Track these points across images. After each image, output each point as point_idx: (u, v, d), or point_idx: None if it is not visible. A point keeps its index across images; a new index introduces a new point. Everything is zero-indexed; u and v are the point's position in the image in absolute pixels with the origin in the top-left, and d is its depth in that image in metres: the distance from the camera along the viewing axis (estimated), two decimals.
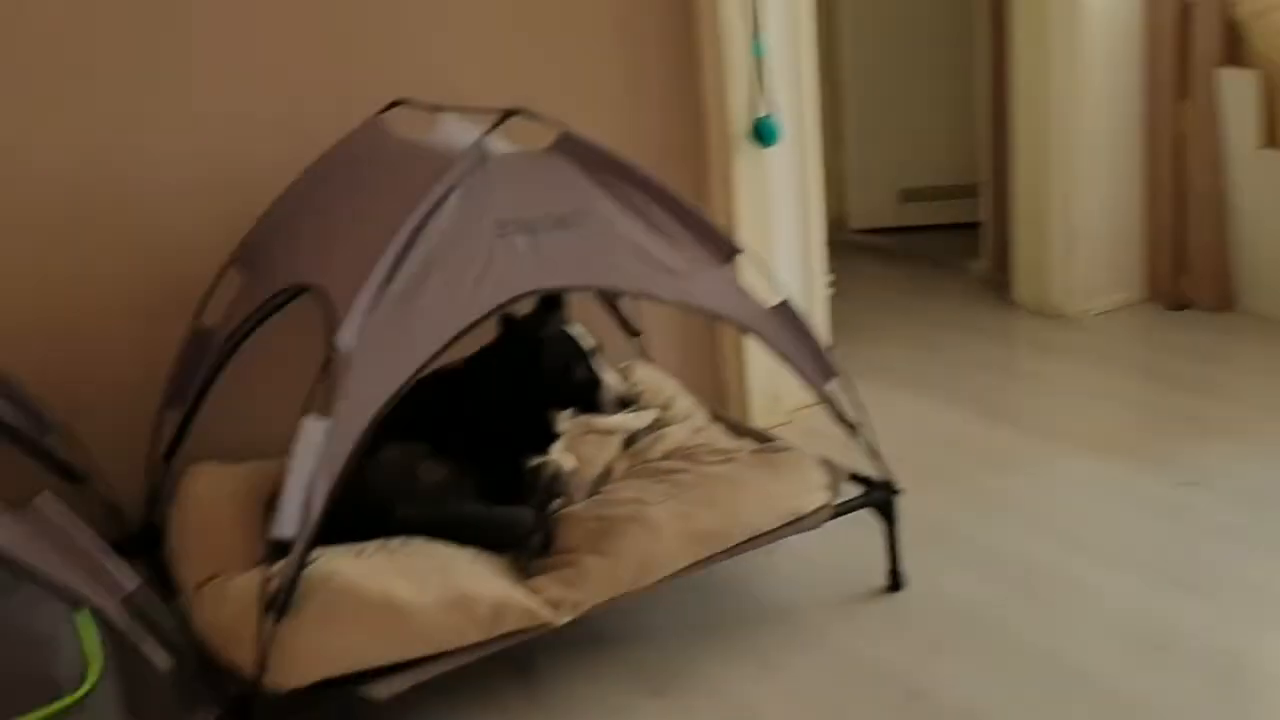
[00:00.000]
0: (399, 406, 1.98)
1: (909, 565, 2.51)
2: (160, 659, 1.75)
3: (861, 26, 5.21)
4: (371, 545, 2.11)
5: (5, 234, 2.47)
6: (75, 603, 1.66)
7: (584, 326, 2.43)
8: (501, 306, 2.07)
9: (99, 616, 1.67)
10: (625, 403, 2.44)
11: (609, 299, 2.93)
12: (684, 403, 2.85)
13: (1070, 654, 2.25)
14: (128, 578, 1.70)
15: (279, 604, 1.87)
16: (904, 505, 2.49)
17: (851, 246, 5.32)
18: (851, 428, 2.42)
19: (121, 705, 1.85)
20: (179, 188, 2.61)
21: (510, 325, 2.34)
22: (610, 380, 2.42)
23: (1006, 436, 3.27)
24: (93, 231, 2.55)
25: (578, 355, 2.39)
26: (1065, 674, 2.19)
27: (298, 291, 2.26)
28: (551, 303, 2.47)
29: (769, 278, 2.36)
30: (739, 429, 2.75)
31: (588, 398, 2.41)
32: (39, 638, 1.87)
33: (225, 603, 2.02)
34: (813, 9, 3.31)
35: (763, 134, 3.12)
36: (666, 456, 2.53)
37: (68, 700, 1.77)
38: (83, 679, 1.80)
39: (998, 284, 4.48)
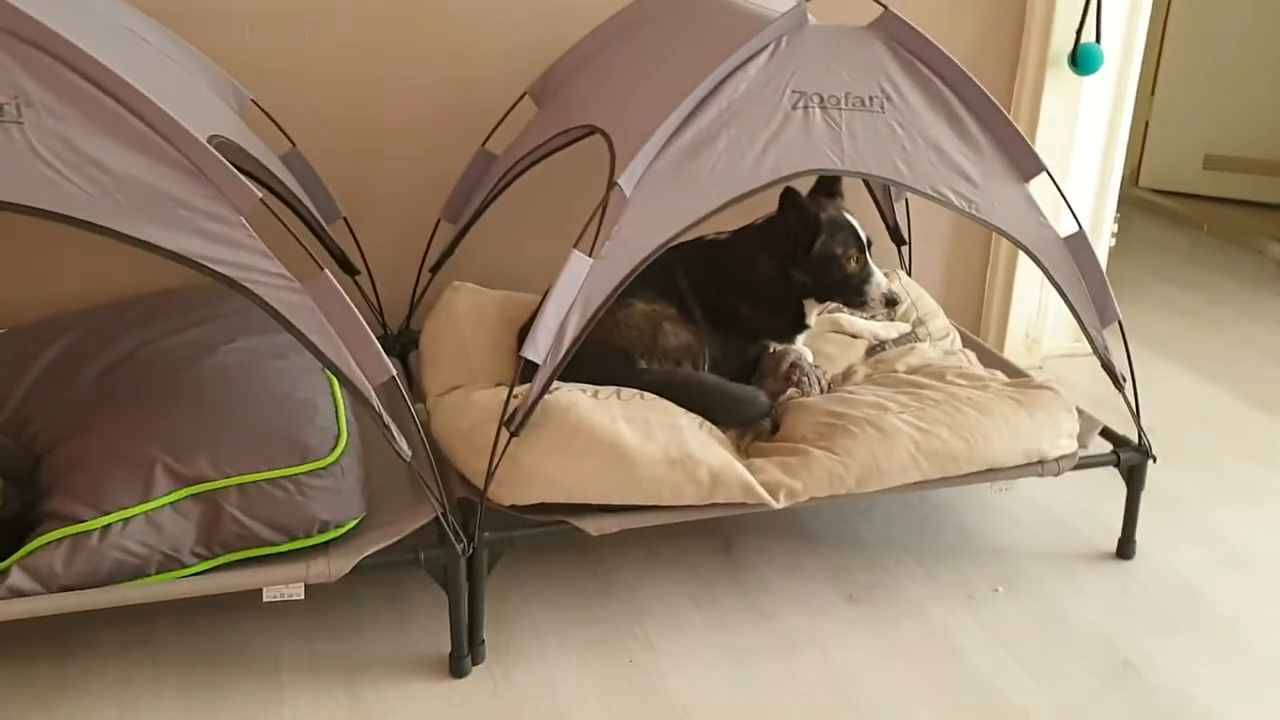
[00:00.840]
0: (657, 265, 1.99)
1: (1141, 536, 2.38)
2: (403, 448, 1.84)
3: None
4: (606, 389, 2.14)
5: (328, 36, 2.58)
6: (339, 377, 1.74)
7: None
8: (784, 179, 2.02)
9: (358, 395, 1.75)
10: (891, 302, 2.38)
11: (884, 196, 2.84)
12: (939, 322, 2.76)
13: None
14: (388, 367, 1.78)
15: (517, 422, 1.93)
16: (1150, 475, 2.35)
17: (1139, 203, 4.99)
18: (1118, 380, 2.28)
19: (361, 480, 1.97)
20: (493, 16, 2.66)
21: (791, 199, 2.30)
22: (880, 278, 2.36)
23: (1270, 427, 3.04)
24: (406, 44, 2.64)
25: (855, 244, 2.34)
26: None
27: (587, 133, 2.28)
28: (829, 186, 2.42)
29: (1066, 207, 2.22)
30: (993, 360, 2.64)
31: (855, 290, 2.36)
32: (299, 404, 2.01)
33: (466, 412, 2.10)
34: None
35: (1083, 60, 2.92)
36: (913, 371, 2.46)
37: (315, 465, 1.90)
38: (332, 449, 1.92)
39: None
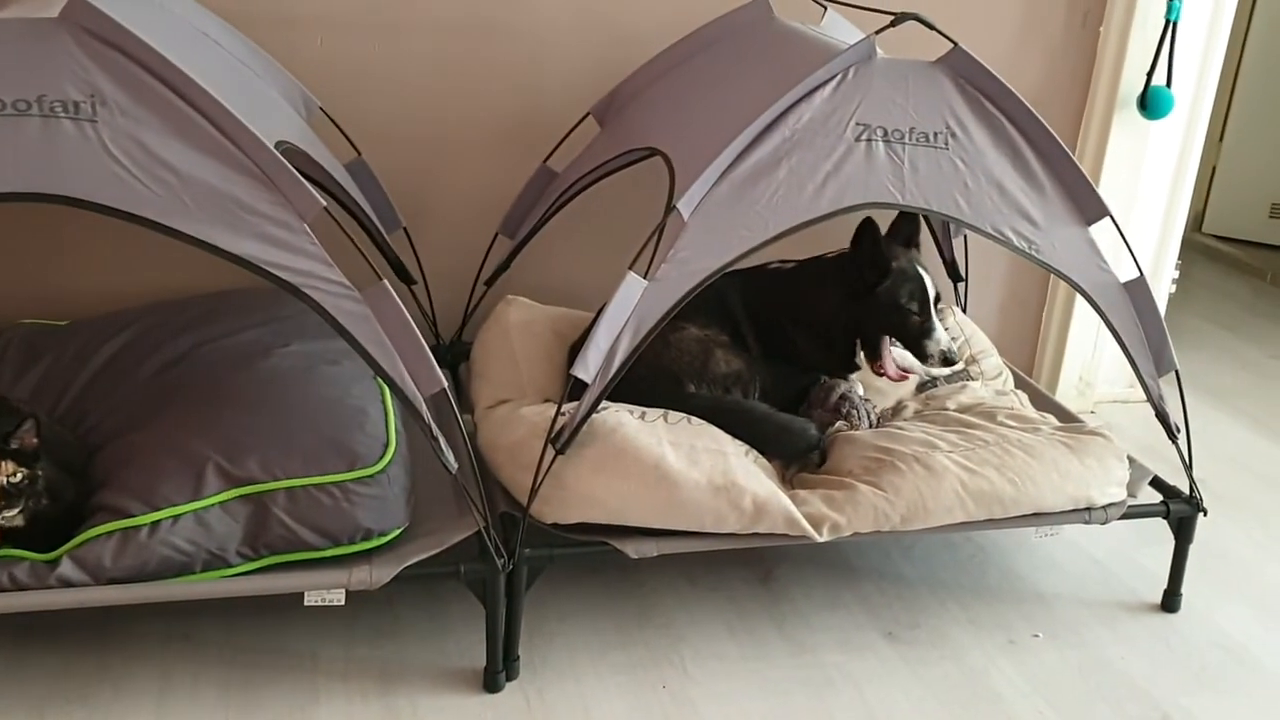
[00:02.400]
0: (713, 291, 1.99)
1: (1187, 589, 2.34)
2: (450, 460, 1.85)
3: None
4: (654, 412, 2.14)
5: (398, 47, 2.62)
6: (391, 387, 1.76)
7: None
8: (843, 211, 2.01)
9: (408, 405, 1.76)
10: (948, 361, 2.35)
11: (943, 232, 2.82)
12: (992, 361, 2.73)
13: None
14: (439, 379, 1.79)
15: (564, 441, 1.93)
16: (1200, 527, 2.31)
17: (1203, 250, 4.91)
18: (1171, 430, 2.25)
19: (406, 490, 1.99)
20: (562, 35, 2.68)
21: (868, 231, 2.29)
22: (941, 335, 2.35)
23: None
24: (474, 59, 2.67)
25: (921, 297, 2.33)
26: None
27: (648, 154, 2.28)
28: (907, 235, 2.41)
29: (1127, 252, 2.19)
30: (1045, 402, 2.61)
31: (914, 342, 2.35)
32: (351, 410, 2.03)
33: (514, 427, 2.11)
34: None
35: (1152, 103, 2.88)
36: (963, 410, 2.43)
37: (362, 473, 1.91)
38: (380, 458, 1.94)
39: None
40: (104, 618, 2.04)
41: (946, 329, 2.71)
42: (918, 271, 2.34)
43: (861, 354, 2.44)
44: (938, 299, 2.37)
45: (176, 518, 1.82)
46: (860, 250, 2.32)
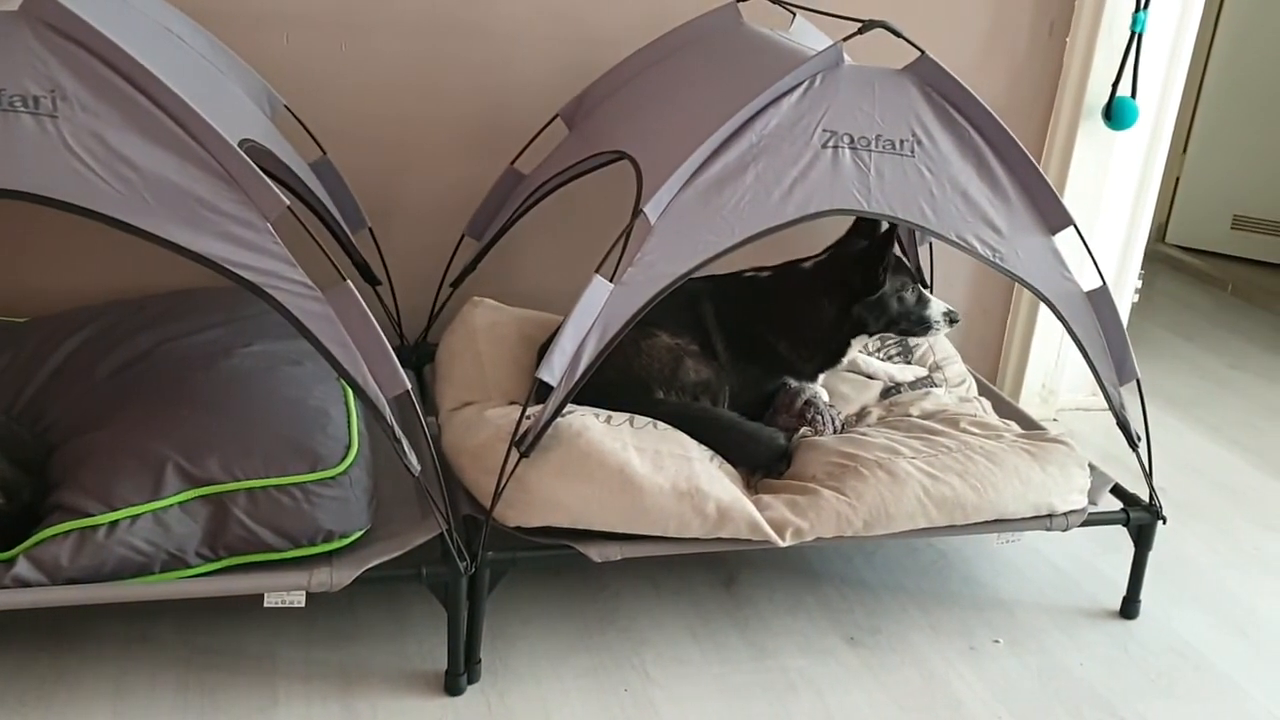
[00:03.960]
0: (684, 298, 1.99)
1: (1146, 596, 2.37)
2: (413, 462, 1.84)
3: (1244, 26, 4.76)
4: (620, 416, 2.13)
5: (365, 46, 2.60)
6: (354, 388, 1.75)
7: None
8: (809, 217, 2.02)
9: (371, 407, 1.75)
10: (953, 320, 2.47)
11: (908, 238, 2.84)
12: (956, 368, 2.75)
13: None
14: (403, 380, 1.78)
15: (528, 444, 1.93)
16: (1159, 535, 2.34)
17: (1165, 260, 4.97)
18: (1132, 439, 2.27)
19: (368, 491, 1.97)
20: (531, 37, 2.67)
21: (891, 237, 2.35)
22: (933, 299, 2.46)
23: None
24: (442, 59, 2.65)
25: (908, 273, 2.45)
26: None
27: (616, 158, 2.28)
28: (867, 229, 2.45)
29: (1090, 261, 2.21)
30: (1008, 409, 2.63)
31: (919, 319, 2.45)
32: (313, 411, 2.01)
33: (478, 430, 2.10)
34: None
35: (1117, 114, 2.91)
36: (927, 416, 2.45)
37: (323, 474, 1.90)
38: (341, 459, 1.93)
39: None
40: (60, 618, 2.01)
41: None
42: (895, 255, 2.40)
43: (853, 348, 2.49)
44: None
45: (135, 518, 1.80)
46: (876, 251, 2.36)
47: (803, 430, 2.34)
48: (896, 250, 2.42)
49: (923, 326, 2.47)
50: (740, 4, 2.48)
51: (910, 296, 2.43)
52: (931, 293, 2.94)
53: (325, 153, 2.51)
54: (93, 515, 1.78)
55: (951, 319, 2.47)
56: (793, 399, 2.41)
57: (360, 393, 1.75)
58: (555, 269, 2.41)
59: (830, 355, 2.46)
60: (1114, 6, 2.89)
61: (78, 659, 1.97)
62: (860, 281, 2.38)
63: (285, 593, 1.84)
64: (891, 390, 2.62)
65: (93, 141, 1.62)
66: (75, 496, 1.81)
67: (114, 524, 1.78)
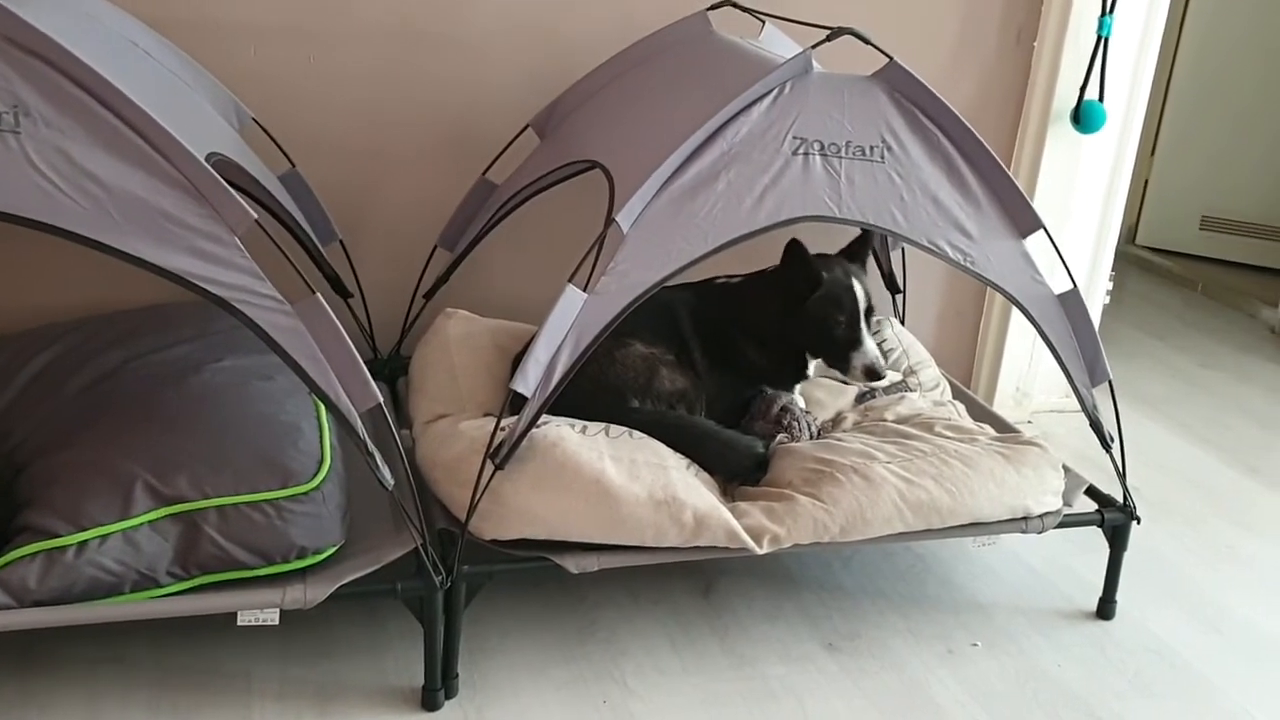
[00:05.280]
0: (660, 306, 1.98)
1: (1122, 596, 2.37)
2: (386, 476, 1.82)
3: (1209, 30, 4.81)
4: (595, 426, 2.13)
5: (333, 58, 2.59)
6: (325, 402, 1.73)
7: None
8: (780, 224, 2.02)
9: (343, 421, 1.74)
10: (873, 376, 2.36)
11: (880, 244, 2.85)
12: (930, 372, 2.75)
13: None
14: (375, 394, 1.77)
15: (503, 455, 1.92)
16: (1134, 535, 2.35)
17: (1136, 261, 5.01)
18: (1105, 440, 2.28)
19: (342, 507, 1.96)
20: (501, 47, 2.66)
21: (794, 252, 2.32)
22: (870, 348, 2.37)
23: (1255, 492, 3.04)
24: (411, 69, 2.64)
25: (848, 311, 2.34)
26: None
27: (587, 167, 2.28)
28: (858, 251, 2.46)
29: (1061, 264, 2.22)
30: (982, 413, 2.63)
31: (840, 355, 2.37)
32: (284, 427, 1.99)
33: (452, 443, 2.09)
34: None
35: (1085, 118, 2.93)
36: (902, 421, 2.45)
37: (296, 490, 1.88)
38: (314, 475, 1.91)
39: None
40: (29, 641, 1.98)
41: (883, 341, 2.75)
42: (850, 284, 2.36)
43: (812, 365, 2.47)
44: (869, 312, 2.38)
45: (104, 537, 1.77)
46: (790, 267, 2.34)
47: (779, 437, 2.34)
48: (861, 281, 2.38)
49: (840, 365, 2.38)
50: (710, 12, 2.49)
51: (841, 330, 2.34)
52: (904, 297, 2.96)
53: (294, 165, 2.49)
54: (61, 536, 1.76)
55: (870, 373, 2.35)
56: (769, 405, 2.41)
57: (332, 407, 1.74)
58: (529, 279, 2.39)
59: (793, 368, 2.45)
60: (1080, 12, 2.91)
61: (48, 682, 1.94)
62: (787, 292, 2.35)
63: (259, 611, 1.82)
64: (866, 395, 2.62)
65: (57, 157, 1.60)
66: (43, 517, 1.78)
67: (83, 544, 1.76)
